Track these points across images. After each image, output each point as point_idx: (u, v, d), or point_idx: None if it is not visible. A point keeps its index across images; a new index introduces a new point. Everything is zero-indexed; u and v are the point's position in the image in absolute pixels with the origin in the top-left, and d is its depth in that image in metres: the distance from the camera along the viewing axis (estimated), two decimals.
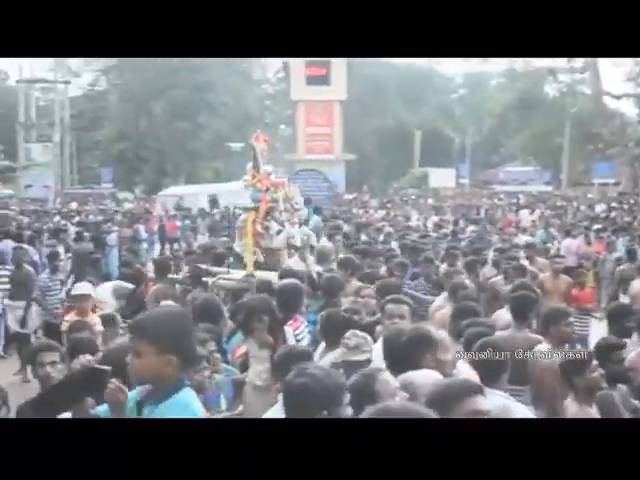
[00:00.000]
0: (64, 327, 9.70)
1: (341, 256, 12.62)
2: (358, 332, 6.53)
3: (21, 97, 60.83)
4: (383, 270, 12.53)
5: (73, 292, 10.99)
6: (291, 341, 7.27)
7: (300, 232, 12.38)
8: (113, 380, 3.99)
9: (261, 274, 11.58)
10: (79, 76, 77.24)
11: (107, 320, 8.10)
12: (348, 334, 6.47)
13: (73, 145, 68.00)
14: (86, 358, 4.40)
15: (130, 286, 11.93)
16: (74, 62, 70.14)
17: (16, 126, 60.39)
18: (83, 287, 10.94)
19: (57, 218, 33.30)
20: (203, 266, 12.45)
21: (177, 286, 11.86)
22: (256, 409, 6.12)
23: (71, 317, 10.23)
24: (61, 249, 19.39)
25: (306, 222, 19.85)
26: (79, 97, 76.49)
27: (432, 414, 2.73)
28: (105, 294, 11.56)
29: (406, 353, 5.54)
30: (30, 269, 15.60)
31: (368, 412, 2.77)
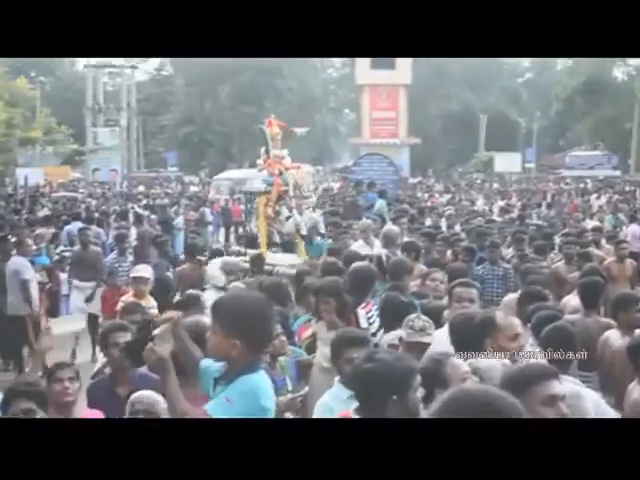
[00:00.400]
0: (118, 307, 9.77)
1: (405, 239, 12.58)
2: (422, 316, 6.55)
3: (89, 82, 61.59)
4: (448, 254, 12.49)
5: (132, 274, 11.05)
6: (364, 324, 7.27)
7: (306, 219, 12.68)
8: (151, 343, 4.07)
9: (273, 256, 12.13)
10: (146, 61, 77.97)
11: (192, 300, 8.18)
12: (413, 316, 6.48)
13: (140, 129, 68.73)
14: (170, 315, 4.45)
15: (239, 261, 11.97)
16: None
17: (84, 110, 61.13)
18: (142, 269, 11.00)
19: (125, 201, 33.70)
20: (236, 248, 12.73)
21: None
22: (322, 391, 6.15)
23: (127, 298, 10.31)
24: (133, 231, 19.68)
25: (372, 206, 19.94)
26: (146, 82, 77.35)
27: (511, 397, 2.69)
28: (214, 269, 11.63)
29: (474, 338, 5.52)
30: (97, 250, 15.80)
31: (443, 397, 2.74)
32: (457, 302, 7.09)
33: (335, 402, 5.27)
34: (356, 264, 8.44)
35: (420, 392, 4.16)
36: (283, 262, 11.93)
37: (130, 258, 15.28)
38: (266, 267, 11.51)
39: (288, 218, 12.54)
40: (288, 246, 13.15)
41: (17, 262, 13.23)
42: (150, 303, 10.25)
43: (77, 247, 15.99)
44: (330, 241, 14.22)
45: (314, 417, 5.46)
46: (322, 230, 13.31)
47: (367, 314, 7.43)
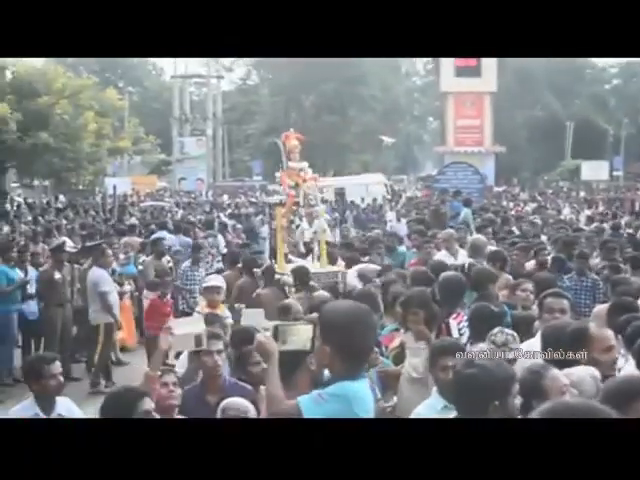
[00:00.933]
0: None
1: (491, 249, 12.45)
2: (506, 329, 6.51)
3: (176, 92, 62.50)
4: (531, 264, 12.27)
5: (204, 284, 11.13)
6: (455, 334, 7.23)
7: (315, 227, 12.95)
8: (262, 334, 4.33)
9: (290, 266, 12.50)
10: (232, 71, 78.83)
11: (283, 310, 8.29)
12: (496, 331, 6.45)
13: (225, 138, 69.39)
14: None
15: (377, 268, 12.04)
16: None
17: (171, 120, 62.03)
18: (214, 279, 11.13)
19: (211, 210, 34.03)
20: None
21: None
22: (412, 401, 6.15)
23: (202, 309, 10.34)
24: (220, 240, 19.95)
25: (457, 215, 19.84)
26: (231, 91, 78.10)
27: (613, 413, 2.65)
28: (351, 278, 11.74)
29: (567, 349, 5.46)
30: (166, 259, 15.96)
31: (543, 409, 2.71)
32: (548, 313, 6.99)
33: (429, 413, 5.27)
34: (446, 274, 8.38)
35: (518, 400, 4.16)
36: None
37: (202, 268, 15.53)
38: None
39: (297, 227, 13.15)
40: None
41: (96, 274, 13.51)
42: (225, 313, 10.32)
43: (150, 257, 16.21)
44: (414, 250, 14.19)
45: None
46: (329, 238, 14.09)
47: (458, 325, 7.38)
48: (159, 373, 5.69)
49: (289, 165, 13.70)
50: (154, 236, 18.63)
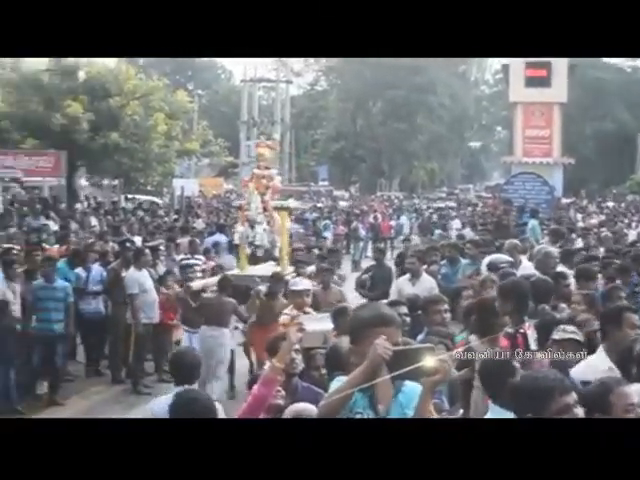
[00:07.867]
0: (282, 320, 9.96)
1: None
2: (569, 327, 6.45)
3: (244, 96, 62.70)
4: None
5: (292, 287, 11.12)
6: (533, 346, 6.75)
7: (246, 232, 14.38)
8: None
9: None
10: (300, 76, 79.06)
11: (340, 312, 8.32)
12: (563, 325, 6.39)
13: (292, 143, 69.61)
14: None
15: (508, 259, 11.98)
16: (296, 62, 71.78)
17: (239, 124, 62.37)
18: (301, 282, 11.19)
19: None
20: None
21: None
22: (481, 409, 6.06)
23: (290, 311, 10.38)
24: None
25: (523, 225, 19.65)
26: (300, 96, 78.34)
27: None
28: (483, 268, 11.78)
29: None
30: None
31: None
32: (630, 328, 6.63)
33: None
34: (514, 279, 7.95)
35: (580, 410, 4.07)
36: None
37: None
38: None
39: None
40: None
41: (127, 276, 13.81)
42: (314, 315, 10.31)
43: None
44: (468, 260, 13.89)
45: None
46: (258, 242, 14.54)
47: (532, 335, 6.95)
48: (283, 366, 5.62)
49: (255, 172, 14.81)
50: (217, 238, 19.07)
